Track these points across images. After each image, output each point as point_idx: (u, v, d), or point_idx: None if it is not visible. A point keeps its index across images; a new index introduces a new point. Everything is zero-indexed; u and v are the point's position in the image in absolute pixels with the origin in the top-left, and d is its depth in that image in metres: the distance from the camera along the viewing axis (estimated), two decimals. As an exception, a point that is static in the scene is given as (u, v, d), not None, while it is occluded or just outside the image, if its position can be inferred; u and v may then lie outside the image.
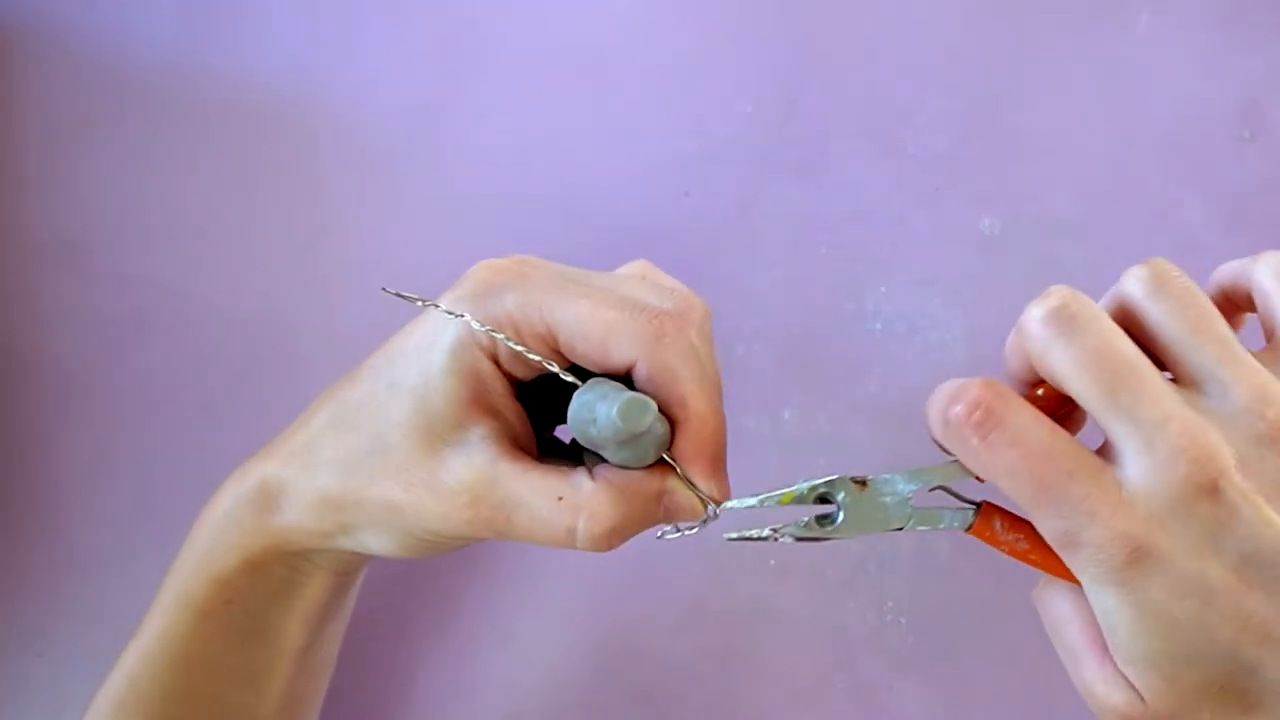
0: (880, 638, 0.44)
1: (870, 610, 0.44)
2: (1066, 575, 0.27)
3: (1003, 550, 0.28)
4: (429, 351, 0.31)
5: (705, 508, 0.30)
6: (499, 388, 0.31)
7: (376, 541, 0.32)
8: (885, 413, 0.46)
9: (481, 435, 0.31)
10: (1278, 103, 0.46)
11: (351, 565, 0.36)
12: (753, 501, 0.29)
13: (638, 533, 0.30)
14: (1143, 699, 0.27)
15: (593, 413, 0.29)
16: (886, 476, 0.29)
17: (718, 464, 0.30)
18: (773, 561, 0.45)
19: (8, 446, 0.47)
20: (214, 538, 0.34)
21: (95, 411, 0.48)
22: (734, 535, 0.30)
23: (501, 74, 0.49)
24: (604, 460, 0.31)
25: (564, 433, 0.34)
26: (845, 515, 0.29)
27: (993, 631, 0.44)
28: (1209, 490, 0.25)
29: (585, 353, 0.30)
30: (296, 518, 0.33)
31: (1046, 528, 0.26)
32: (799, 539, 0.29)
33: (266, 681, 0.35)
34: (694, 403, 0.30)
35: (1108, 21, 0.48)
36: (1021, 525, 0.28)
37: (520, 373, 0.31)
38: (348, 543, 0.33)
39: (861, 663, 0.44)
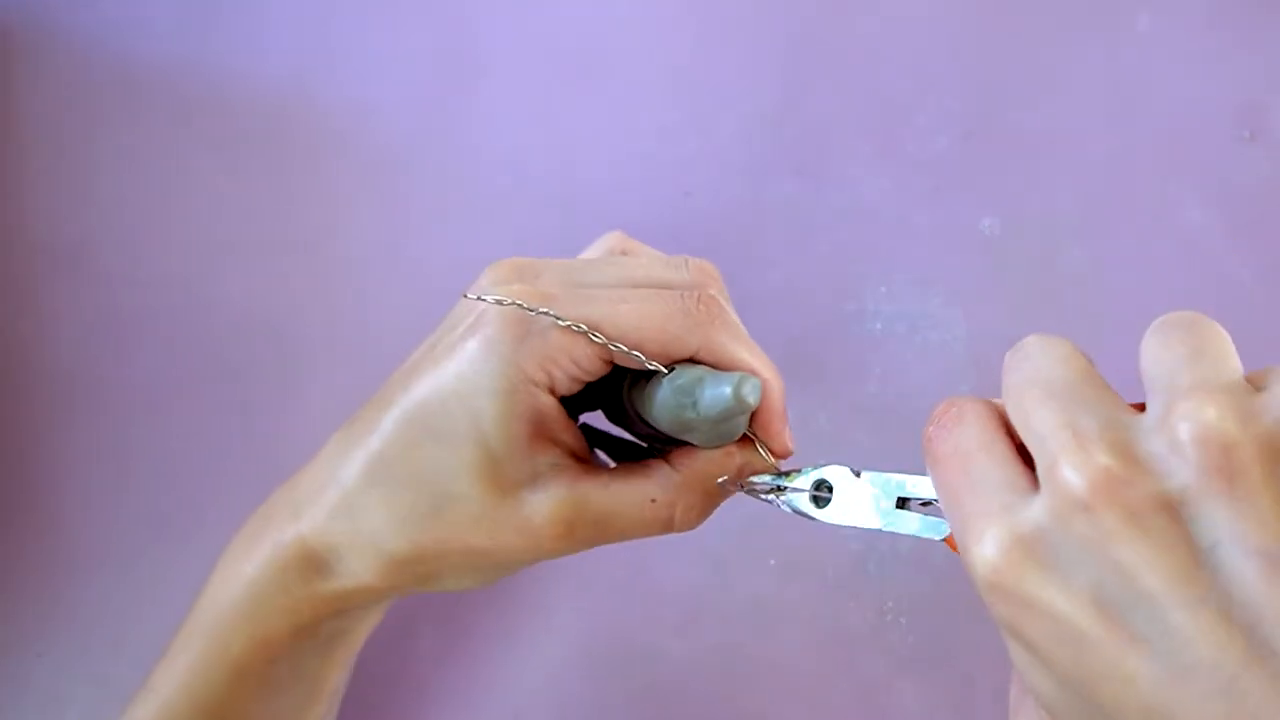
0: (880, 638, 0.44)
1: (870, 610, 0.44)
2: None
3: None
4: (476, 398, 0.29)
5: (779, 472, 0.32)
6: (557, 415, 0.30)
7: (457, 583, 0.33)
8: (885, 413, 0.46)
9: (550, 464, 0.30)
10: (1278, 103, 0.46)
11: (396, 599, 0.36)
12: (770, 480, 0.31)
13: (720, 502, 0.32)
14: None
15: (692, 396, 0.29)
16: (878, 476, 0.30)
17: (786, 424, 0.32)
18: (772, 561, 0.45)
19: (8, 446, 0.47)
20: (257, 602, 0.33)
21: (96, 411, 0.48)
22: (745, 488, 0.32)
23: (501, 74, 0.49)
24: (659, 444, 0.33)
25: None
26: (836, 502, 0.30)
27: (993, 631, 0.44)
28: (1082, 509, 0.21)
29: (647, 354, 0.30)
30: (359, 581, 0.32)
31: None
32: (795, 511, 0.31)
33: None
34: (762, 371, 0.30)
35: (1108, 21, 0.48)
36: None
37: (573, 389, 0.31)
38: (423, 588, 0.33)
39: (861, 663, 0.44)
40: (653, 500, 0.31)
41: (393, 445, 0.31)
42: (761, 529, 0.45)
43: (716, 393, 0.29)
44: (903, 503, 0.30)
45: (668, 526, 0.31)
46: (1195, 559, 0.20)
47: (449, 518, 0.31)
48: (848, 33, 0.49)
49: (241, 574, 0.33)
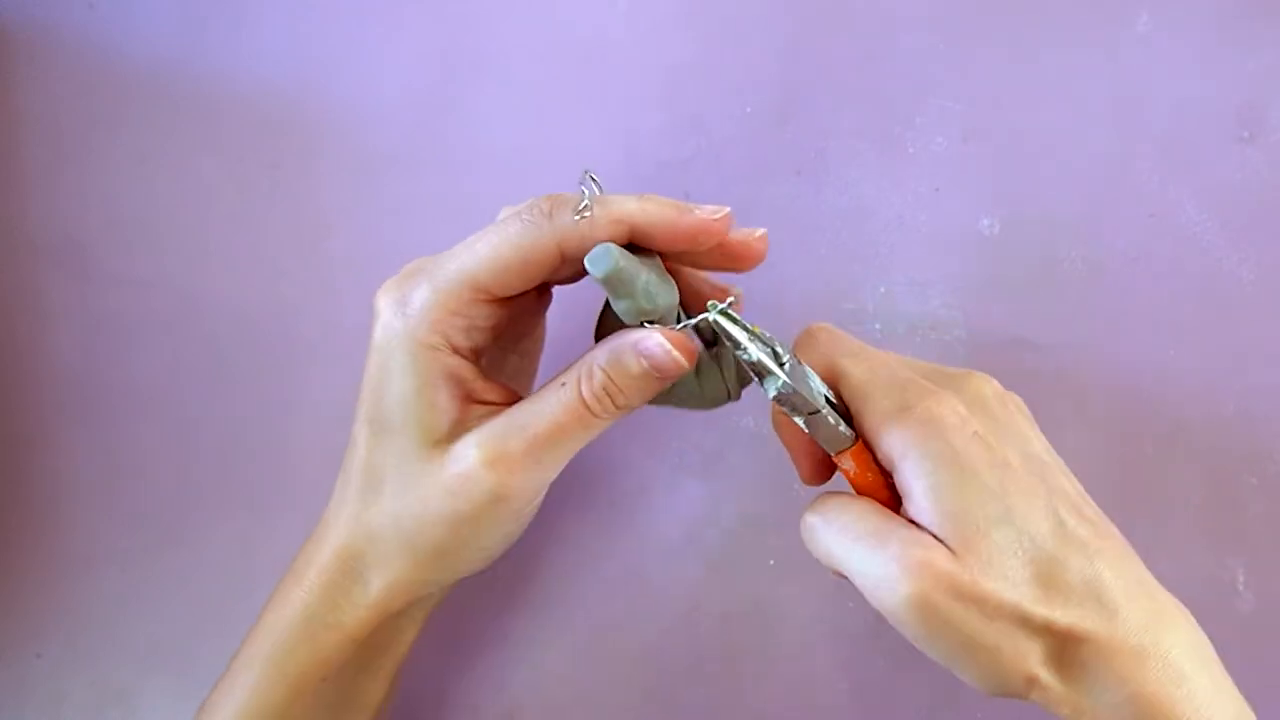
0: (880, 638, 0.44)
1: (870, 610, 0.44)
2: (881, 494, 0.33)
3: (845, 473, 0.33)
4: (392, 383, 0.32)
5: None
6: (472, 375, 0.33)
7: (465, 562, 0.34)
8: (885, 413, 0.46)
9: (478, 416, 0.33)
10: (1277, 103, 0.46)
11: (431, 609, 0.37)
12: (742, 321, 0.32)
13: (640, 386, 0.32)
14: (952, 550, 0.29)
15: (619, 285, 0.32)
16: (809, 369, 0.33)
17: (682, 213, 0.33)
18: (772, 562, 0.45)
19: (8, 446, 0.47)
20: (311, 621, 0.34)
21: (95, 411, 0.48)
22: (718, 325, 0.32)
23: (501, 74, 0.49)
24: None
25: None
26: (790, 369, 0.32)
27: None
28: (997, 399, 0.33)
29: (518, 274, 0.32)
30: (390, 574, 0.33)
31: (884, 405, 0.31)
32: (755, 361, 0.32)
33: None
34: (641, 199, 0.32)
35: (1108, 21, 0.48)
36: (867, 463, 0.33)
37: (481, 340, 0.33)
38: (443, 572, 0.34)
39: (861, 663, 0.44)
40: (562, 384, 0.32)
41: (359, 453, 0.34)
42: (761, 529, 0.45)
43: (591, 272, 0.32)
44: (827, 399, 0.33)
45: (583, 407, 0.31)
46: None
47: (417, 495, 0.32)
48: (848, 33, 0.49)
49: (293, 598, 0.34)
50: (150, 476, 0.47)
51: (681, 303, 0.35)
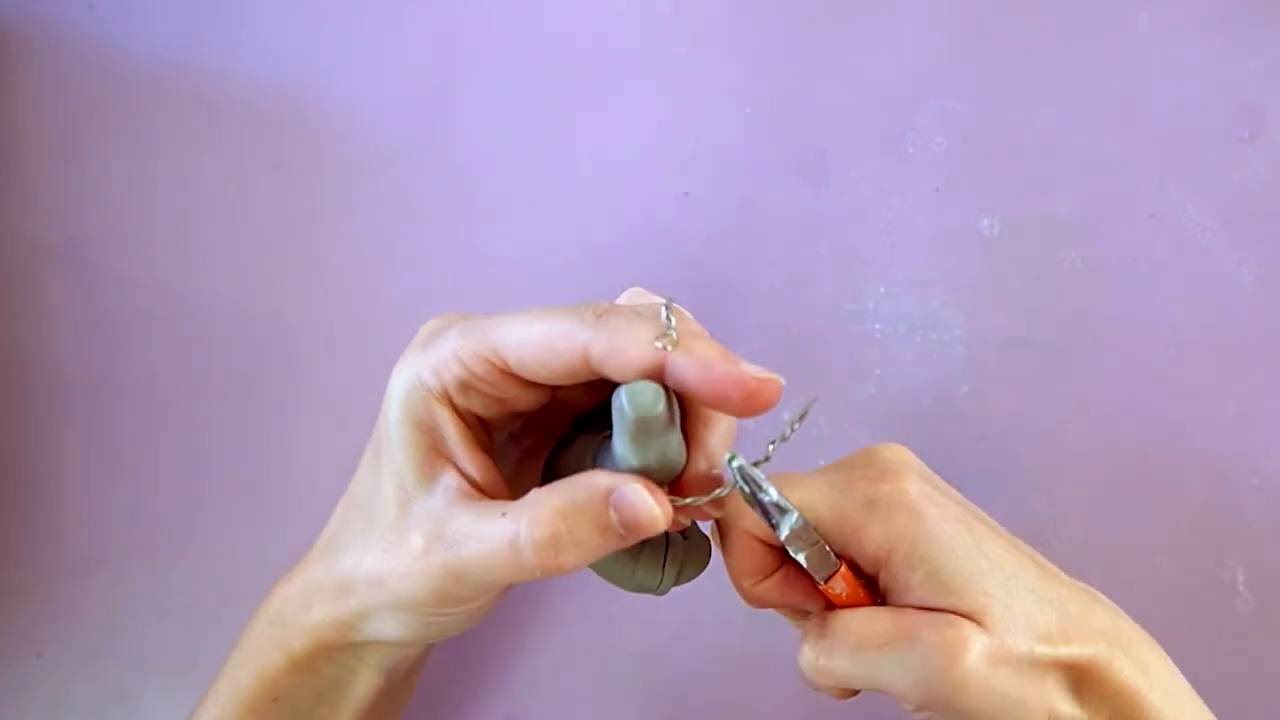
0: (880, 638, 0.44)
1: (870, 610, 0.44)
2: (864, 600, 0.31)
3: (835, 599, 0.32)
4: (387, 410, 0.31)
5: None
6: (455, 433, 0.30)
7: (386, 625, 0.32)
8: (885, 413, 0.46)
9: (446, 486, 0.30)
10: (1278, 103, 0.46)
11: (398, 663, 0.36)
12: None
13: (596, 544, 0.28)
14: (981, 623, 0.29)
15: (617, 415, 0.27)
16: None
17: (727, 364, 0.27)
18: (773, 561, 0.45)
19: (8, 446, 0.47)
20: (263, 635, 0.34)
21: (95, 412, 0.48)
22: (745, 486, 0.30)
23: (502, 74, 0.49)
24: None
25: None
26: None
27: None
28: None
29: (536, 358, 0.28)
30: (324, 610, 0.32)
31: (852, 508, 0.30)
32: (773, 503, 0.30)
33: None
34: (681, 334, 0.27)
35: (1108, 21, 0.48)
36: (854, 579, 0.31)
37: (481, 407, 0.31)
38: (370, 630, 0.32)
39: (861, 663, 0.44)
40: (503, 514, 0.28)
41: (360, 475, 0.32)
42: (761, 529, 0.45)
43: (618, 403, 0.27)
44: None
45: (514, 546, 0.27)
46: None
47: (367, 538, 0.31)
48: (848, 33, 0.49)
49: (258, 614, 0.35)
50: (149, 477, 0.47)
51: None
